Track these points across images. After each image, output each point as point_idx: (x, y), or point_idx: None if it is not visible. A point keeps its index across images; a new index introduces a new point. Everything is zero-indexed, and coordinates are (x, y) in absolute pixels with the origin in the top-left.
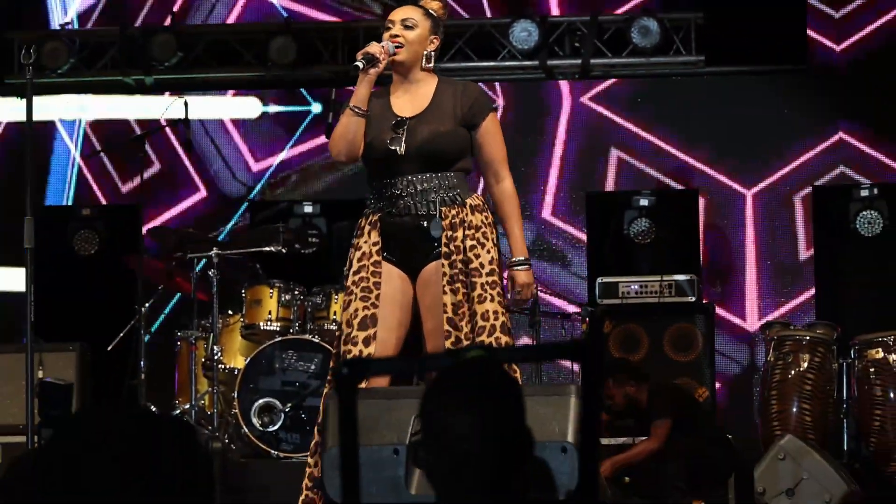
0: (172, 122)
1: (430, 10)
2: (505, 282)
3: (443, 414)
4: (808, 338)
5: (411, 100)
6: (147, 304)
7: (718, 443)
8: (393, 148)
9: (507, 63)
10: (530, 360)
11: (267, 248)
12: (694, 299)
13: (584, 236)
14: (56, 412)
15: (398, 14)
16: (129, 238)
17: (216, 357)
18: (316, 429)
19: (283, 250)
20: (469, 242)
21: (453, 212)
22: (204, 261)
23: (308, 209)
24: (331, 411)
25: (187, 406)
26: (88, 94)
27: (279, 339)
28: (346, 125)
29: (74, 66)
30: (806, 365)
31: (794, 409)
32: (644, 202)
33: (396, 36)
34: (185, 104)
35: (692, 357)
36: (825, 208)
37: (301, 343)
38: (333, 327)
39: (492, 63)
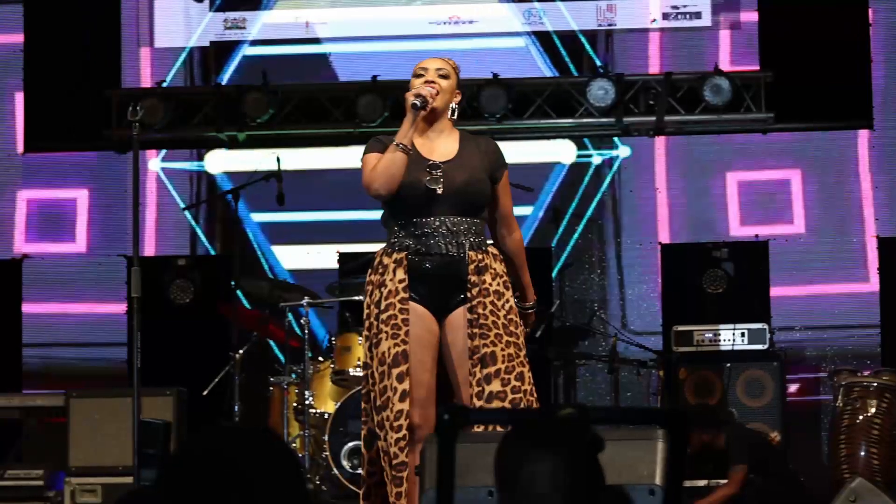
0: (267, 176)
1: (455, 66)
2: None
3: (518, 464)
4: (875, 384)
5: (438, 147)
6: (241, 351)
7: (792, 485)
8: (433, 188)
9: (585, 120)
10: (619, 423)
11: (356, 298)
12: (766, 346)
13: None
14: (154, 451)
15: (432, 63)
16: (222, 287)
17: (308, 402)
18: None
19: None
20: (495, 287)
21: (479, 256)
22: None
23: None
24: (427, 454)
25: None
26: (184, 148)
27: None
28: (392, 161)
29: (171, 121)
30: (874, 410)
31: (863, 453)
32: (717, 253)
33: (432, 82)
34: (278, 159)
35: (765, 402)
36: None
37: None
38: None
39: (570, 120)
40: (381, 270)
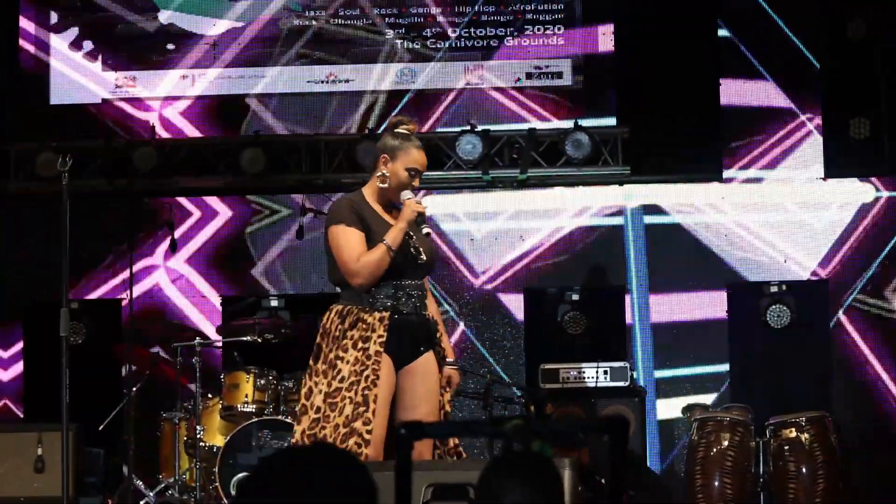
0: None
1: None
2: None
3: (499, 493)
4: (727, 419)
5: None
6: (134, 388)
7: (663, 494)
8: (420, 256)
9: (454, 173)
10: (564, 432)
11: (244, 338)
12: (627, 383)
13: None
14: (95, 479)
15: (424, 164)
16: (113, 329)
17: (199, 436)
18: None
19: (258, 340)
20: (443, 341)
21: (429, 315)
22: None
23: (274, 303)
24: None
25: (171, 480)
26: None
27: (255, 419)
28: (383, 262)
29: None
30: (727, 443)
31: (717, 483)
32: (575, 297)
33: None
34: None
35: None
36: (740, 304)
37: (275, 423)
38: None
39: (440, 173)
40: (363, 328)
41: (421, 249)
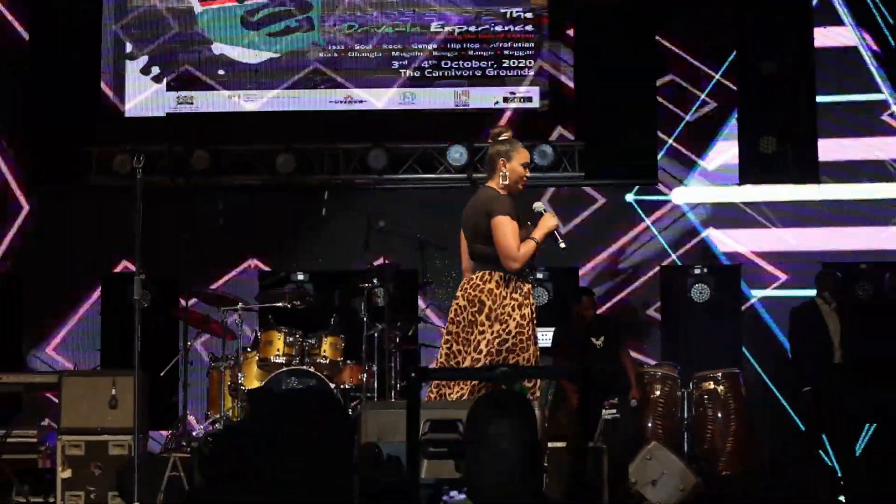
0: None
1: None
2: None
3: (485, 425)
4: (659, 373)
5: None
6: (189, 344)
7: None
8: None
9: (444, 175)
10: (543, 378)
11: (277, 304)
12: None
13: None
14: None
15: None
16: (175, 294)
17: (240, 382)
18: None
19: (288, 306)
20: None
21: None
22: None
23: (300, 277)
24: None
25: (217, 416)
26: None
27: (285, 368)
28: (532, 253)
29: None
30: (658, 393)
31: (650, 424)
32: (540, 275)
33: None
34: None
35: None
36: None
37: (300, 372)
38: (324, 361)
39: (433, 175)
40: (521, 293)
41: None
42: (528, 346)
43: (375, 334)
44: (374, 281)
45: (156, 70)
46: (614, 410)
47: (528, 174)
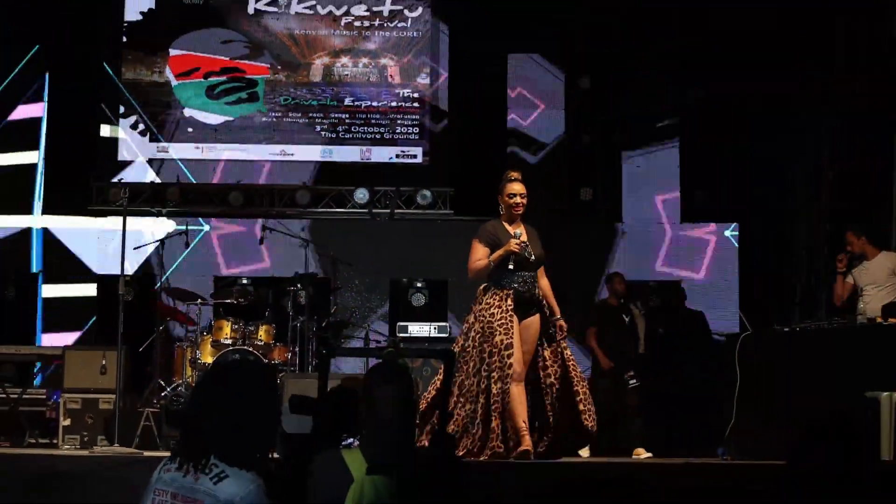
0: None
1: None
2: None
3: (374, 389)
4: None
5: (521, 233)
6: (160, 328)
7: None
8: (530, 257)
9: (352, 210)
10: (418, 357)
11: (226, 301)
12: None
13: None
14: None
15: (520, 189)
16: (150, 292)
17: (198, 357)
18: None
19: (234, 302)
20: (544, 306)
21: (537, 292)
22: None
23: (244, 281)
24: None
25: (180, 382)
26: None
27: (231, 347)
28: (484, 270)
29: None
30: None
31: None
32: (419, 284)
33: (524, 196)
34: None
35: None
36: None
37: (242, 350)
38: (260, 343)
39: (343, 209)
40: (496, 300)
41: (531, 255)
42: (493, 336)
43: (298, 324)
44: (298, 285)
45: (141, 126)
46: (635, 381)
47: (515, 202)
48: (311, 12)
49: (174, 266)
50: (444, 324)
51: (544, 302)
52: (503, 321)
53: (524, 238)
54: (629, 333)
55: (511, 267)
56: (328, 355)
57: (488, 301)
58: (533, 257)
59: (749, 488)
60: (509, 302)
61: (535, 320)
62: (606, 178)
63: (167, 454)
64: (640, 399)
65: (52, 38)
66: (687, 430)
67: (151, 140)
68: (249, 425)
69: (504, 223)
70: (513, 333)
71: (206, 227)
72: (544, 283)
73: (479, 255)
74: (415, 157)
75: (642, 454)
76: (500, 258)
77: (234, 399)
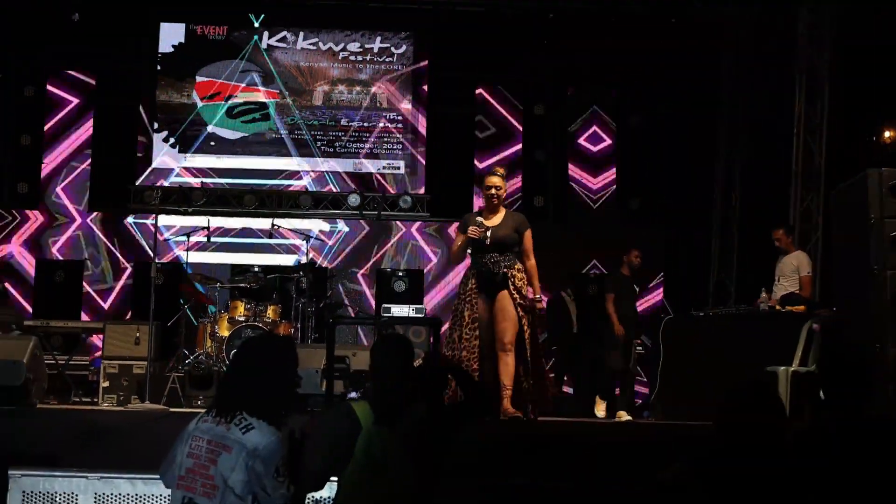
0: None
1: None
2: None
3: (379, 356)
4: None
5: (496, 218)
6: (187, 305)
7: None
8: (486, 241)
9: (346, 212)
10: (408, 325)
11: (241, 284)
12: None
13: None
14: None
15: (496, 181)
16: (178, 276)
17: (216, 331)
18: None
19: (248, 285)
20: (519, 284)
21: (512, 272)
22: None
23: (256, 269)
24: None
25: (201, 352)
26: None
27: (244, 324)
28: (454, 252)
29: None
30: None
31: None
32: (401, 273)
33: (498, 188)
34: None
35: None
36: None
37: (254, 327)
38: (268, 320)
39: (339, 211)
40: (466, 277)
41: (488, 239)
42: (462, 310)
43: (300, 305)
44: (300, 273)
45: (171, 139)
46: (640, 347)
47: (490, 193)
48: (314, 48)
49: (197, 255)
50: (420, 306)
51: (515, 281)
52: (470, 298)
53: (487, 224)
54: (634, 303)
55: (470, 251)
56: (334, 324)
57: (463, 281)
58: (488, 241)
59: (670, 445)
60: (473, 281)
61: (503, 295)
62: (555, 188)
63: (191, 410)
64: (637, 365)
65: (102, 67)
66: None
67: (181, 151)
68: (273, 387)
69: (484, 213)
70: (478, 309)
71: (225, 223)
72: (529, 263)
73: (456, 241)
74: (398, 168)
75: (623, 416)
76: (462, 242)
77: (261, 365)
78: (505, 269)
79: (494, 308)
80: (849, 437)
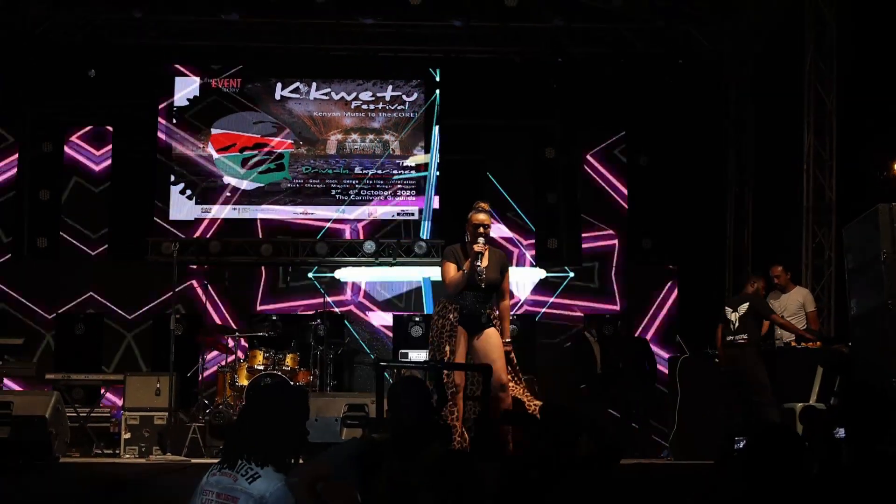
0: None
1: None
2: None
3: (397, 398)
4: None
5: (483, 259)
6: (206, 355)
7: None
8: (482, 283)
9: (360, 259)
10: (462, 370)
11: (259, 333)
12: None
13: None
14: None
15: (485, 219)
16: (198, 326)
17: (236, 381)
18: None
19: (266, 334)
20: (496, 324)
21: (492, 312)
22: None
23: (274, 317)
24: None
25: (220, 401)
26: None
27: (263, 372)
28: (461, 281)
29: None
30: None
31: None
32: (417, 318)
33: (486, 227)
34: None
35: None
36: None
37: (272, 375)
38: (287, 368)
39: (355, 258)
40: (449, 310)
41: (483, 280)
42: (442, 344)
43: (318, 353)
44: (318, 321)
45: (188, 192)
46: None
47: (479, 232)
48: (327, 98)
49: (216, 305)
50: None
51: (496, 322)
52: (450, 331)
53: (485, 264)
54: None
55: (470, 282)
56: (382, 368)
57: (439, 312)
58: (484, 284)
59: (685, 482)
60: (455, 314)
61: (491, 332)
62: (568, 229)
63: (212, 461)
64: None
65: (119, 122)
66: (642, 434)
67: (197, 203)
68: (279, 434)
69: (468, 243)
70: (455, 342)
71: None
72: (504, 304)
73: (452, 270)
74: (412, 214)
75: None
76: (462, 278)
77: (267, 413)
78: (488, 311)
79: (479, 344)
80: (870, 473)
